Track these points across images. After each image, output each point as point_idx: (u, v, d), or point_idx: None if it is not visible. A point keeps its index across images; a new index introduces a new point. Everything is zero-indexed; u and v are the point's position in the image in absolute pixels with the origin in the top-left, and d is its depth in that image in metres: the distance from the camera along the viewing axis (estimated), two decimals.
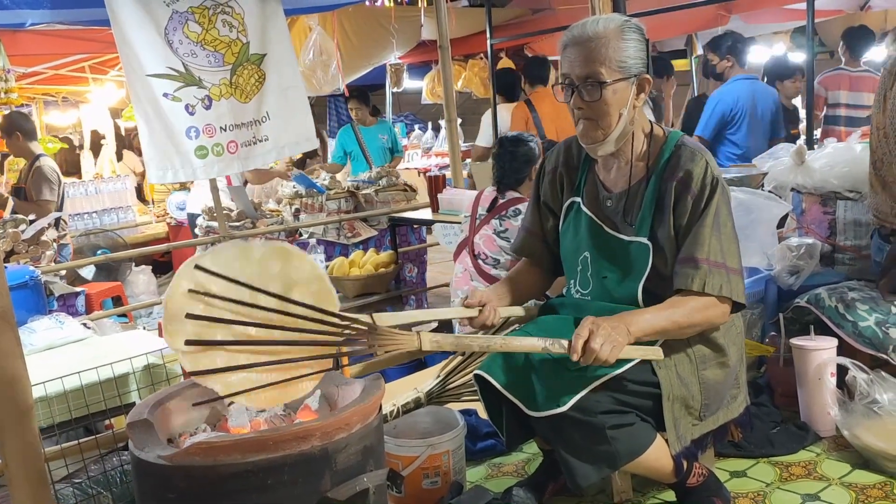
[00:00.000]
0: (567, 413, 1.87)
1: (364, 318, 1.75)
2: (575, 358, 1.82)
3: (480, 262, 3.53)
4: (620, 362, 1.91)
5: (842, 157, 3.15)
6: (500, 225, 3.48)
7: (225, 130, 3.78)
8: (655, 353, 1.94)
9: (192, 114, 3.69)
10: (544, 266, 2.37)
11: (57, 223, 5.10)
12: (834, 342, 2.61)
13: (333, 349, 1.70)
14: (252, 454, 1.51)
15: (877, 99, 2.79)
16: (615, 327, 1.84)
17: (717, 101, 4.97)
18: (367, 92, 7.12)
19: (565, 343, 1.84)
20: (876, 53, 6.49)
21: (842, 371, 2.55)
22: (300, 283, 1.73)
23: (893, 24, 7.35)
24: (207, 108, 3.73)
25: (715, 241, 1.98)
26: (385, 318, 1.90)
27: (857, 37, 5.91)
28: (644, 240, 2.04)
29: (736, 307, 2.05)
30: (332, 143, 10.70)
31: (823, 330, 2.70)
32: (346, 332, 1.69)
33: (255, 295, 1.67)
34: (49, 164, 5.23)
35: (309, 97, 7.10)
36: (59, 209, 5.33)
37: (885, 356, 2.56)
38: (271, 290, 1.67)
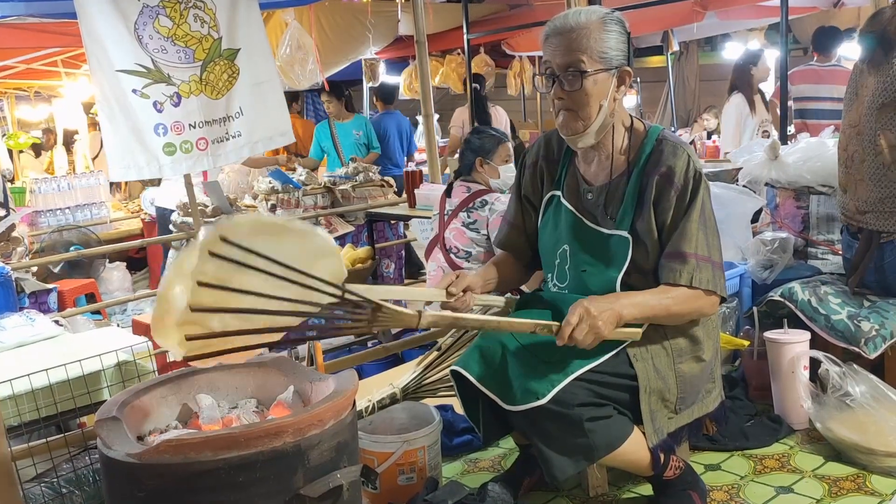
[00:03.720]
0: (544, 406, 1.87)
1: (364, 290, 1.76)
2: (559, 343, 1.84)
3: (453, 256, 3.53)
4: (597, 353, 1.92)
5: (815, 153, 3.18)
6: (469, 217, 3.49)
7: (194, 127, 3.75)
8: (634, 334, 1.94)
9: (160, 111, 3.65)
10: (524, 260, 2.36)
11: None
12: (807, 336, 2.63)
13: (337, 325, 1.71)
14: (223, 451, 1.49)
15: (848, 96, 2.80)
16: (605, 316, 1.84)
17: None
18: (340, 86, 7.07)
19: (554, 328, 1.85)
20: (847, 49, 6.56)
21: (815, 364, 2.57)
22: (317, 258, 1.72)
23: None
24: (176, 105, 3.69)
25: (702, 236, 1.99)
26: (359, 290, 1.90)
27: (826, 36, 5.98)
28: (624, 233, 2.04)
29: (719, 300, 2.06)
30: None
31: (797, 323, 2.72)
32: (348, 309, 1.69)
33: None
34: None
35: (286, 92, 7.07)
36: (5, 198, 5.22)
37: (857, 349, 2.58)
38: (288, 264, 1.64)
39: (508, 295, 2.97)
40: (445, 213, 3.64)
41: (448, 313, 1.92)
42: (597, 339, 1.85)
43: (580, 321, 1.82)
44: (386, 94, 7.49)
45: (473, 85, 7.05)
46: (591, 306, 1.84)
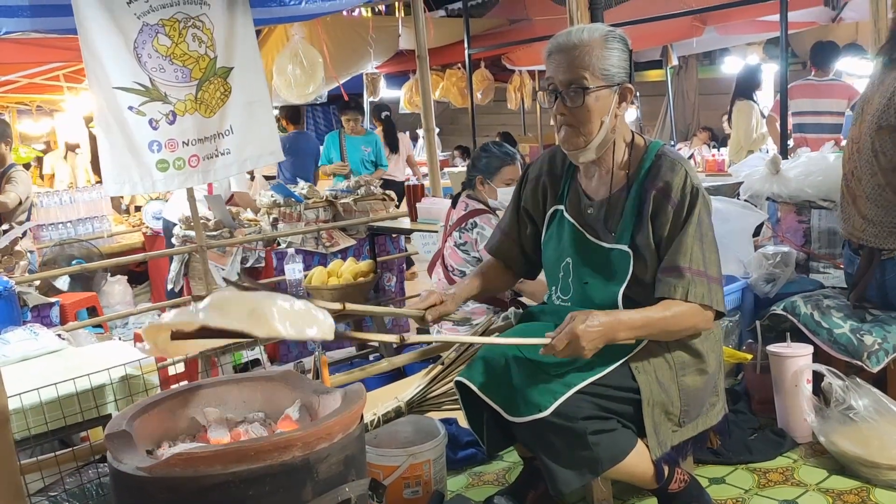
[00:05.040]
0: (548, 419, 1.88)
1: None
2: (541, 353, 1.90)
3: (450, 272, 3.53)
4: (600, 366, 1.94)
5: (816, 167, 3.20)
6: (460, 238, 3.48)
7: (188, 145, 3.80)
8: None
9: (155, 128, 3.69)
10: (514, 269, 2.39)
11: (23, 234, 5.04)
12: (810, 349, 2.64)
13: None
14: (233, 464, 1.49)
15: (857, 110, 2.82)
16: (593, 342, 1.86)
17: None
18: (361, 103, 7.21)
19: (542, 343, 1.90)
20: (845, 64, 6.62)
21: (818, 378, 2.58)
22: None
23: (864, 36, 7.46)
24: (171, 123, 3.74)
25: (697, 251, 2.00)
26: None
27: (822, 51, 6.04)
28: (625, 247, 2.06)
29: (717, 315, 2.07)
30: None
31: (799, 337, 2.73)
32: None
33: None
34: (24, 174, 5.18)
35: (286, 106, 7.10)
36: (28, 220, 5.26)
37: (859, 363, 2.59)
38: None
39: (513, 309, 2.98)
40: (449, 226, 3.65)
41: (433, 336, 1.97)
42: (575, 357, 1.90)
43: (566, 346, 1.85)
44: (293, 115, 7.51)
45: (385, 112, 7.34)
46: (582, 334, 1.85)
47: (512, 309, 3.15)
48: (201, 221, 4.74)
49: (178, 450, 1.56)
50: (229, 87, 3.88)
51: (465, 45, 6.42)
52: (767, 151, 6.42)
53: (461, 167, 9.85)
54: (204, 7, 3.76)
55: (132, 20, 3.58)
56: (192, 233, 4.85)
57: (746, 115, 6.66)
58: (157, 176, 3.73)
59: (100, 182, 7.99)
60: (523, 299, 3.26)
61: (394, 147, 7.59)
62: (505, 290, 2.45)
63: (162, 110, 3.70)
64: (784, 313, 2.82)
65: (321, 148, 7.25)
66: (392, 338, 1.91)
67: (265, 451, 1.52)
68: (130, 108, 3.62)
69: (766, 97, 7.96)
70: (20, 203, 5.06)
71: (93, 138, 8.32)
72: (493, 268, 2.39)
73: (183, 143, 3.77)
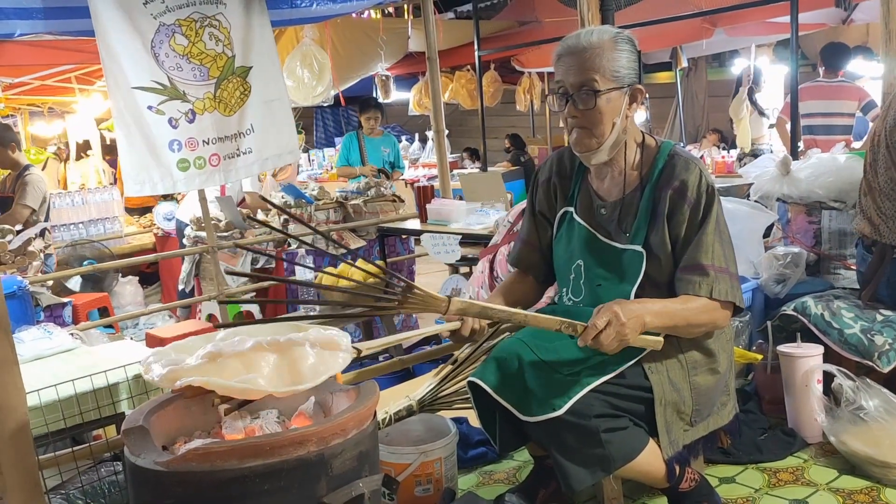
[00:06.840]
0: (561, 417, 1.89)
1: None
2: (581, 344, 1.86)
3: (495, 279, 3.48)
4: (613, 365, 1.94)
5: (826, 168, 3.20)
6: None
7: (208, 144, 3.81)
8: (656, 343, 1.95)
9: (175, 127, 3.71)
10: (540, 277, 2.37)
11: (42, 234, 5.08)
12: (820, 349, 2.65)
13: (366, 303, 1.78)
14: (249, 459, 1.51)
15: (885, 104, 2.85)
16: (631, 321, 1.85)
17: None
18: (381, 102, 7.27)
19: (579, 329, 1.86)
20: (855, 66, 6.62)
21: (828, 378, 2.59)
22: None
23: (875, 38, 7.45)
24: (191, 121, 3.76)
25: (718, 248, 2.02)
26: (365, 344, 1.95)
27: (833, 52, 6.04)
28: (638, 247, 2.07)
29: (735, 311, 2.08)
30: (317, 154, 10.78)
31: (810, 337, 2.73)
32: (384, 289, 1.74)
33: None
34: (38, 175, 5.21)
35: (294, 108, 7.14)
36: (46, 220, 5.30)
37: (870, 363, 2.60)
38: None
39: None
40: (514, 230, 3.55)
41: (477, 301, 1.93)
42: (621, 346, 1.86)
43: (608, 325, 1.83)
44: None
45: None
46: (620, 311, 1.84)
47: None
48: (212, 222, 4.77)
49: (194, 445, 1.57)
50: (249, 86, 3.91)
51: (475, 46, 6.44)
52: (772, 151, 6.46)
53: (470, 168, 9.87)
54: (220, 6, 3.79)
55: (149, 20, 3.61)
56: (204, 233, 4.87)
57: (736, 109, 7.78)
58: (178, 175, 3.75)
59: (111, 184, 8.08)
60: None
61: None
62: (532, 302, 2.41)
63: (181, 109, 3.72)
64: (794, 314, 2.82)
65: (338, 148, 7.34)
66: (440, 306, 1.83)
67: (280, 446, 1.54)
68: (150, 107, 3.64)
69: (772, 99, 8.00)
70: (33, 211, 5.09)
71: (103, 140, 8.37)
72: (515, 281, 2.38)
73: (203, 141, 3.79)
